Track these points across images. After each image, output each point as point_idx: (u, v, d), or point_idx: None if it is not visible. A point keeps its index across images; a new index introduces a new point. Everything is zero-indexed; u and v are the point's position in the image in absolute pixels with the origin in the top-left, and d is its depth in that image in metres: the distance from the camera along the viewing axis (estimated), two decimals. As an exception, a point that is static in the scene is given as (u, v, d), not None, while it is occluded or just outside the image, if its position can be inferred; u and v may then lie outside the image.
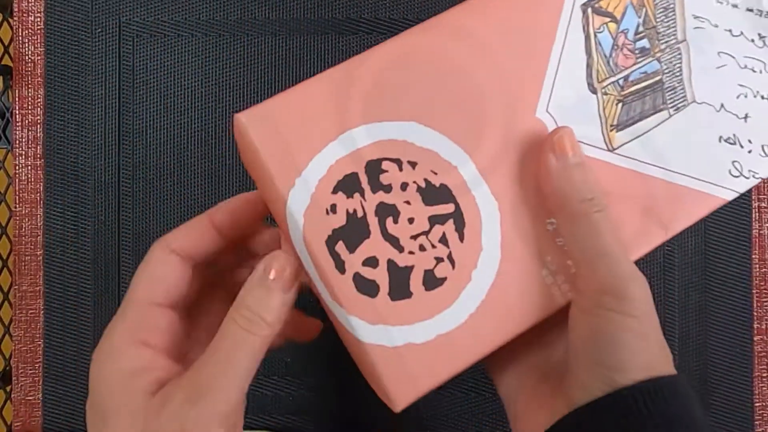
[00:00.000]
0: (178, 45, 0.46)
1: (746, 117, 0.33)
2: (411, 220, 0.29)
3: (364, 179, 0.29)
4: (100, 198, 0.45)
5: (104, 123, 0.45)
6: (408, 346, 0.29)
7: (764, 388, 0.46)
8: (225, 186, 0.46)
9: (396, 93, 0.29)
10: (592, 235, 0.29)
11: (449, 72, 0.30)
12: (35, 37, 0.46)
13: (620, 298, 0.27)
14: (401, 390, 0.29)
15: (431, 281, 0.29)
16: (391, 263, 0.29)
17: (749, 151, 0.32)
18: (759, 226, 0.46)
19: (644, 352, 0.27)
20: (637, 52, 0.32)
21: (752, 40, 0.33)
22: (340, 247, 0.29)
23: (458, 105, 0.30)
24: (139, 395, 0.26)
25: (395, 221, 0.29)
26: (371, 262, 0.29)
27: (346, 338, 0.30)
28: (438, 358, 0.29)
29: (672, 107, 0.32)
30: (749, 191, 0.46)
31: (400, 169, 0.29)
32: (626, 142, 0.32)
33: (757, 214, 0.46)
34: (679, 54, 0.32)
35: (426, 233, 0.29)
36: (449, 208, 0.30)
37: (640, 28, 0.32)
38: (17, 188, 0.46)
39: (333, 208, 0.29)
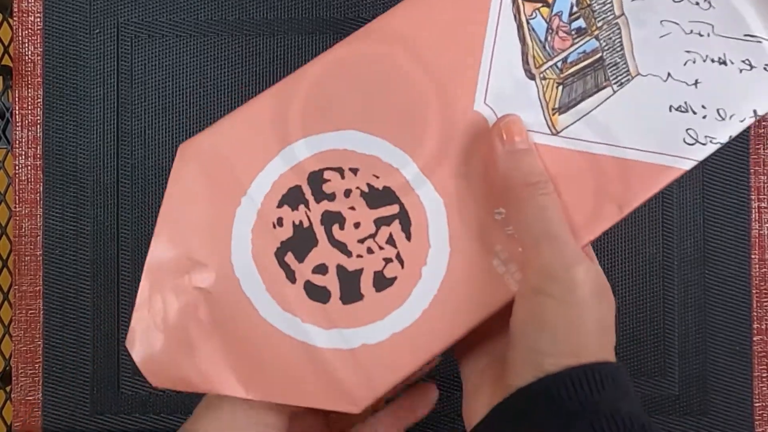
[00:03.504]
0: (176, 45, 0.46)
1: (696, 83, 0.32)
2: (357, 225, 0.30)
3: (307, 191, 0.30)
4: (99, 198, 0.45)
5: (102, 123, 0.46)
6: (364, 347, 0.30)
7: (764, 388, 0.44)
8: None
9: (332, 104, 0.30)
10: (537, 218, 0.29)
11: (383, 77, 0.31)
12: (35, 38, 0.46)
13: (561, 282, 0.27)
14: (361, 391, 0.30)
15: (381, 282, 0.30)
16: (340, 268, 0.30)
17: (704, 117, 0.32)
18: (759, 226, 0.45)
19: (574, 337, 0.26)
20: (573, 33, 0.32)
21: (697, 3, 0.32)
22: (290, 258, 0.30)
23: (395, 108, 0.31)
24: None
25: (341, 227, 0.30)
26: (321, 269, 0.30)
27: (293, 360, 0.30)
28: (395, 356, 0.30)
29: (615, 83, 0.32)
30: (749, 191, 0.45)
31: (342, 177, 0.30)
32: (570, 124, 0.31)
33: (756, 214, 0.45)
34: (618, 29, 0.32)
35: (373, 236, 0.30)
36: (394, 209, 0.30)
37: (574, 9, 0.32)
38: (17, 188, 0.46)
39: (279, 222, 0.30)
